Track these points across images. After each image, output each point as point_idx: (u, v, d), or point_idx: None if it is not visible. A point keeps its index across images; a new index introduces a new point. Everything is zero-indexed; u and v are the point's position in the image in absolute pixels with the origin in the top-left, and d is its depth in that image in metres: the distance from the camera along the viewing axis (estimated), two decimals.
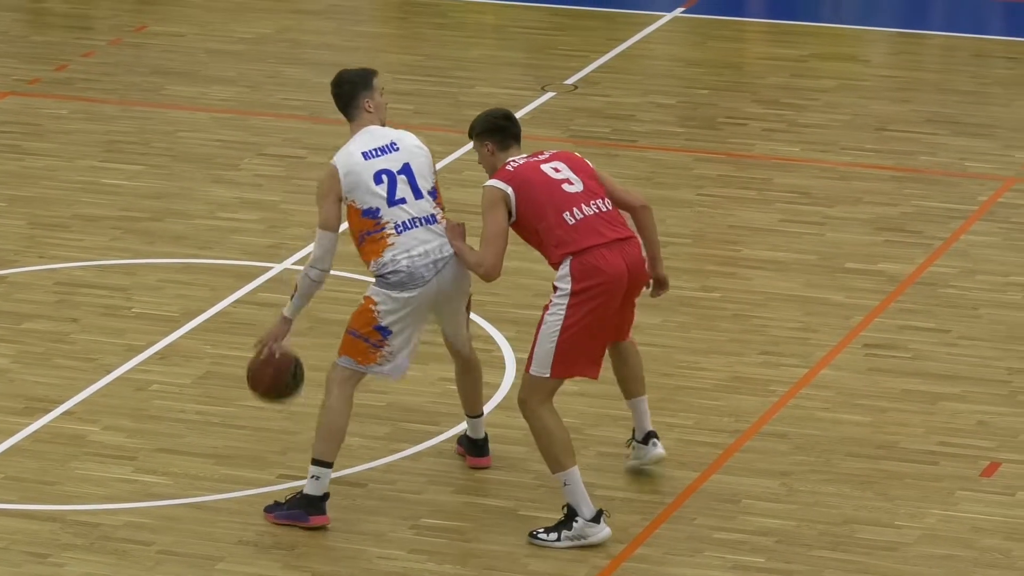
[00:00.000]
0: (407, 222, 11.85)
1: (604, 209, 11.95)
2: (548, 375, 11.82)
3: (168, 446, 12.71)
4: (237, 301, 14.80)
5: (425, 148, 12.23)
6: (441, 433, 12.77)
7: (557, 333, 11.78)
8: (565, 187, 11.97)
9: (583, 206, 11.92)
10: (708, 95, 18.89)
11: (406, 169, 12.03)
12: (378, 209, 11.88)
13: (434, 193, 12.09)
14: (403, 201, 11.93)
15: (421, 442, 12.76)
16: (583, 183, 12.03)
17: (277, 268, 15.26)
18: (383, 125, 12.28)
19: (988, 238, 15.82)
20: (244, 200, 16.57)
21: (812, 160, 17.27)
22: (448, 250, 11.94)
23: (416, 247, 11.84)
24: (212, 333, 14.31)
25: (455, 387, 12.62)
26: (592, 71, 19.26)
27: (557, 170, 12.05)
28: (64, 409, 13.19)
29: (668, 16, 20.69)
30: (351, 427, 11.93)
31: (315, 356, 12.66)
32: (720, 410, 13.23)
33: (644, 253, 12.02)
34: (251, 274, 15.19)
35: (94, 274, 15.27)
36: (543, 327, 11.82)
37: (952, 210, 16.21)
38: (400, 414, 13.09)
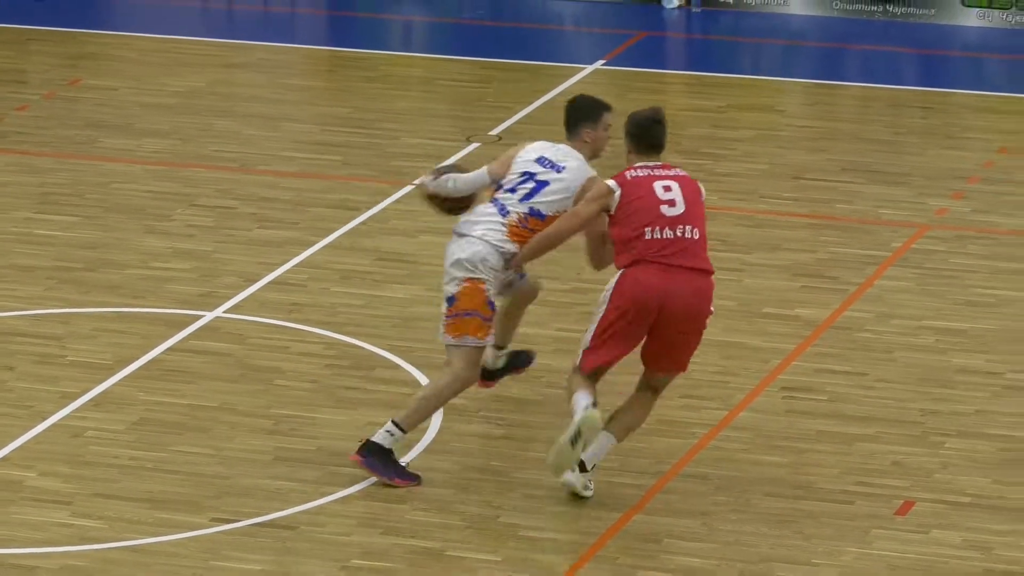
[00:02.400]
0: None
1: (689, 236, 12.39)
2: (579, 366, 12.52)
3: (103, 491, 12.72)
4: (170, 349, 14.83)
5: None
6: (369, 477, 12.80)
7: (591, 333, 12.51)
8: (664, 208, 12.41)
9: (668, 228, 12.36)
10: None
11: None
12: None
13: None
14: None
15: (350, 485, 12.80)
16: (685, 208, 12.44)
17: (209, 316, 15.31)
18: (595, 157, 13.03)
19: (902, 283, 15.90)
20: (176, 250, 16.60)
21: (731, 208, 17.34)
22: None
23: None
24: (145, 380, 14.33)
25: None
26: (516, 122, 19.33)
27: (668, 189, 12.47)
28: (0, 456, 13.22)
29: (590, 68, 20.78)
30: (280, 471, 12.02)
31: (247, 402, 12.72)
32: (642, 452, 13.26)
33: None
34: (183, 322, 15.22)
35: (29, 323, 15.29)
36: (589, 323, 12.57)
37: (867, 256, 16.28)
38: (329, 458, 13.13)
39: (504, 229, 12.87)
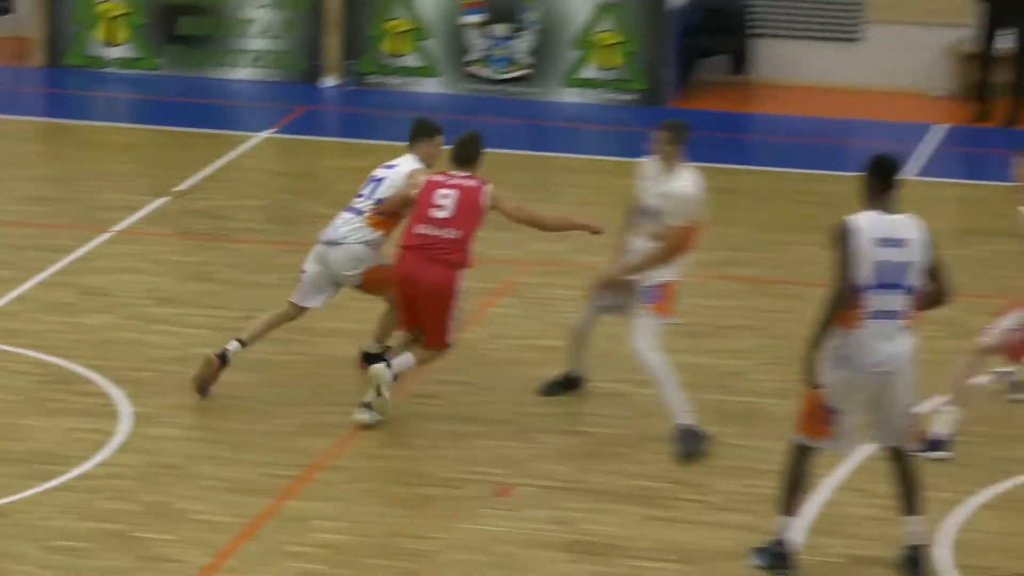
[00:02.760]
0: None
1: (447, 236, 13.48)
2: None
3: None
4: None
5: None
6: (67, 472, 12.72)
7: None
8: (432, 211, 13.46)
9: (431, 226, 13.48)
10: (290, 198, 19.03)
11: None
12: None
13: None
14: None
15: (52, 479, 12.68)
16: (453, 214, 13.46)
17: None
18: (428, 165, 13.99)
19: (510, 309, 16.01)
20: None
21: None
22: None
23: None
24: None
25: (81, 435, 12.97)
26: (200, 180, 19.25)
27: (445, 196, 13.50)
28: None
29: (262, 135, 20.74)
30: None
31: None
32: (298, 450, 13.34)
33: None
34: None
35: None
36: None
37: (483, 288, 16.29)
38: (35, 456, 13.02)
39: (365, 223, 13.86)
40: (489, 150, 18.19)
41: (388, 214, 13.88)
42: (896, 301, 11.08)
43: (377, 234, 13.90)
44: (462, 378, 14.50)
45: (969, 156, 20.46)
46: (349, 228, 13.93)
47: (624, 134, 20.68)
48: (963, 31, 21.78)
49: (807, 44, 22.59)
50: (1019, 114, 21.20)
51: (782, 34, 22.69)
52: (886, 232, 11.09)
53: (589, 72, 21.83)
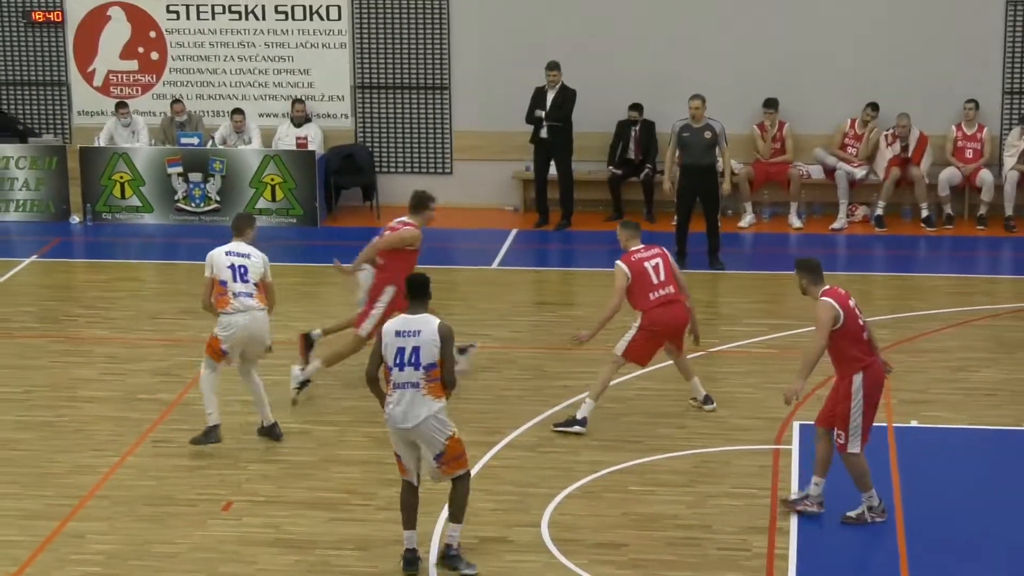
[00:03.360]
0: None
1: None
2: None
3: None
4: None
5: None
6: None
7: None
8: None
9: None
10: (54, 304, 18.54)
11: None
12: None
13: None
14: None
15: None
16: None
17: None
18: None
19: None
20: None
21: (119, 338, 17.10)
22: None
23: None
24: None
25: None
26: None
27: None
28: None
29: (27, 261, 20.22)
30: None
31: None
32: (73, 484, 13.00)
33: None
34: None
35: None
36: None
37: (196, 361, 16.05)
38: None
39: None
40: (199, 263, 18.27)
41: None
42: (414, 376, 11.14)
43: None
44: (188, 426, 14.26)
45: (535, 250, 20.87)
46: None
47: (288, 247, 20.64)
48: (524, 163, 22.18)
49: (415, 177, 22.79)
50: (568, 220, 21.65)
51: (397, 171, 22.86)
52: (402, 326, 11.21)
53: (262, 204, 21.74)
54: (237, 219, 14.04)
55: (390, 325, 11.23)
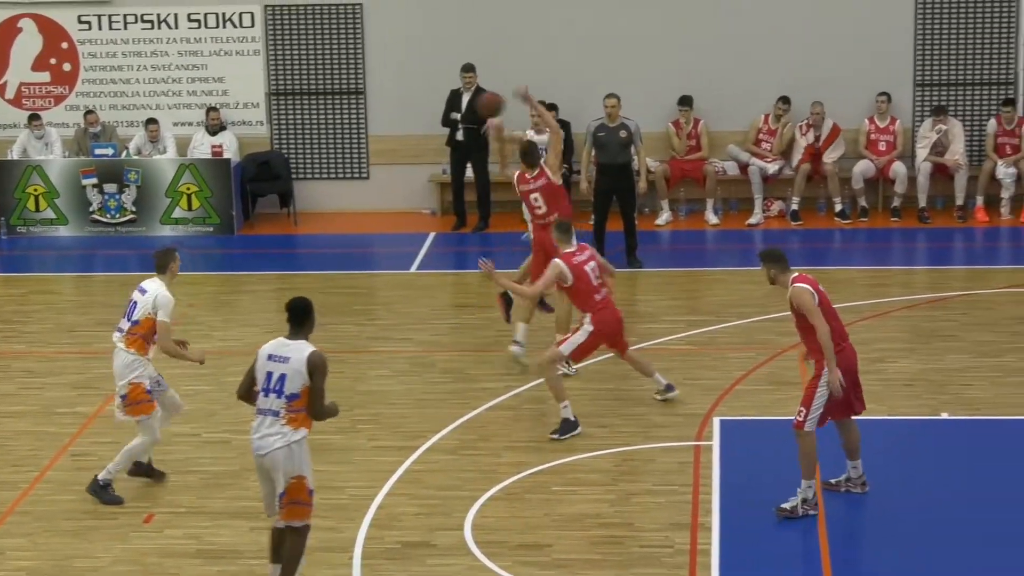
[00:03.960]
0: None
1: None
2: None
3: None
4: None
5: None
6: None
7: None
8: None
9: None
10: None
11: None
12: None
13: None
14: None
15: None
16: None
17: None
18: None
19: None
20: None
21: (36, 352, 16.96)
22: None
23: None
24: None
25: None
26: None
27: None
28: None
29: None
30: None
31: None
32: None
33: None
34: None
35: None
36: None
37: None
38: None
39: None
40: (115, 274, 18.13)
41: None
42: (276, 403, 10.68)
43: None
44: (108, 439, 14.16)
45: (454, 253, 20.89)
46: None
47: (207, 256, 20.56)
48: (440, 167, 22.18)
49: (331, 183, 22.78)
50: (485, 222, 21.70)
51: (313, 177, 22.81)
52: (275, 350, 10.71)
53: (178, 213, 21.63)
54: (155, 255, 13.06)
55: (266, 347, 10.74)
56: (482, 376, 15.51)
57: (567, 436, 13.75)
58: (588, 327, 14.06)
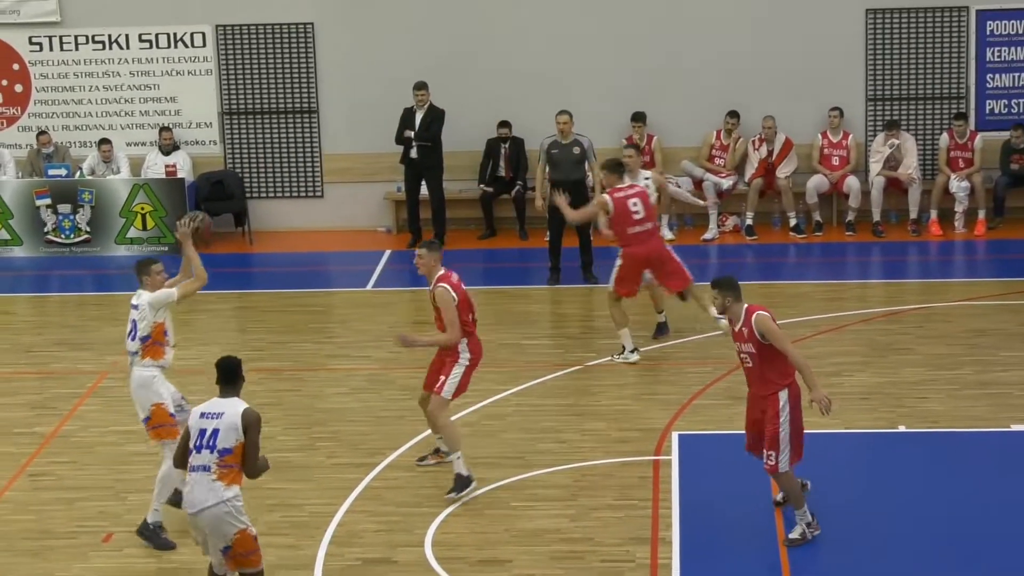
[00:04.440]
0: None
1: None
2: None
3: None
4: None
5: None
6: None
7: None
8: None
9: None
10: None
11: None
12: None
13: None
14: None
15: None
16: None
17: None
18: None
19: (94, 407, 15.67)
20: None
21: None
22: None
23: None
24: None
25: None
26: None
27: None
28: None
29: None
30: None
31: None
32: None
33: None
34: None
35: None
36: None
37: (72, 393, 15.97)
38: None
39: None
40: (71, 294, 18.10)
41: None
42: (207, 459, 10.51)
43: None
44: (66, 459, 14.14)
45: (409, 271, 20.79)
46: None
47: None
48: (394, 184, 22.22)
49: (286, 201, 22.80)
50: (441, 240, 21.70)
51: (268, 196, 22.82)
52: (208, 408, 10.60)
53: (133, 233, 21.60)
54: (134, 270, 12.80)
55: (197, 408, 10.63)
56: None
57: (464, 493, 12.95)
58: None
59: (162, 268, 12.55)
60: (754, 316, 11.66)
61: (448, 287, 12.78)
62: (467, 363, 13.00)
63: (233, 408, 10.51)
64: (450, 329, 12.77)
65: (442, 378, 12.93)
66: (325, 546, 12.19)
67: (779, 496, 12.35)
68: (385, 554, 12.12)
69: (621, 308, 16.29)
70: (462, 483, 12.92)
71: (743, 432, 12.19)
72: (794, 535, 11.92)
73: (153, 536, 12.29)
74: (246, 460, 10.51)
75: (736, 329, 11.80)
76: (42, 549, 12.42)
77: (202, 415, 10.56)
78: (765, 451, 11.77)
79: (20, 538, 12.65)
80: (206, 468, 10.46)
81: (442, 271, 12.88)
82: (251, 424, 10.48)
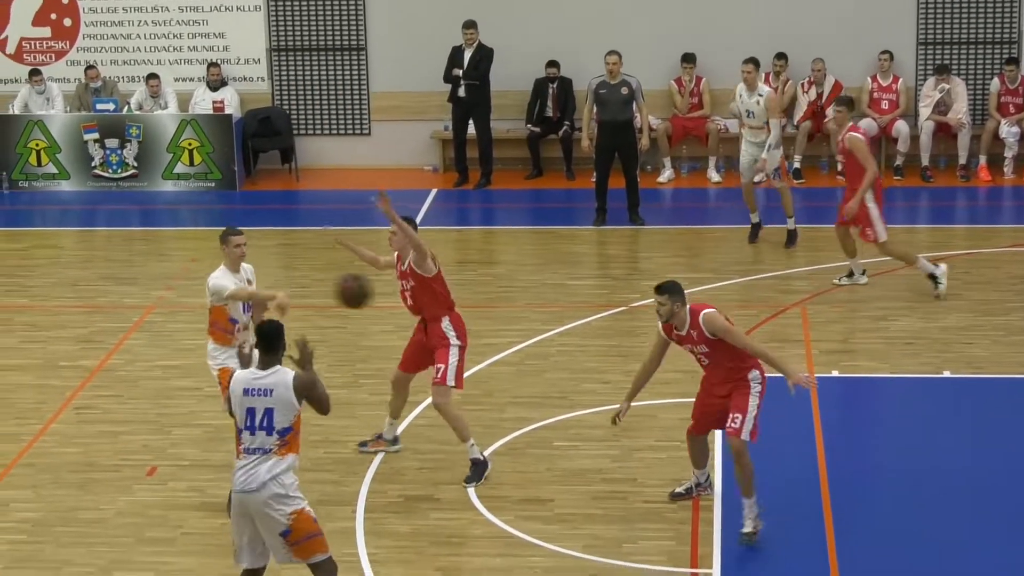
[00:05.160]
0: None
1: None
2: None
3: None
4: None
5: None
6: None
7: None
8: None
9: None
10: None
11: None
12: None
13: None
14: None
15: None
16: None
17: None
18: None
19: (140, 342, 15.72)
20: None
21: (39, 306, 16.94)
22: None
23: None
24: None
25: None
26: None
27: None
28: None
29: None
30: None
31: None
32: None
33: None
34: None
35: None
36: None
37: (117, 328, 16.03)
38: None
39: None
40: (118, 229, 18.18)
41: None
42: (267, 441, 9.61)
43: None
44: (112, 392, 14.19)
45: (456, 210, 20.87)
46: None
47: (209, 211, 20.60)
48: (442, 123, 22.12)
49: (333, 139, 22.74)
50: (487, 179, 21.65)
51: (315, 133, 22.77)
52: (250, 383, 9.65)
53: (180, 169, 21.60)
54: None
55: (240, 380, 9.62)
56: (485, 332, 15.48)
57: (481, 480, 12.27)
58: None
59: (243, 242, 11.79)
60: (701, 316, 10.97)
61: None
62: (459, 343, 12.21)
63: (282, 381, 9.49)
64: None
65: (440, 367, 12.06)
66: (368, 483, 12.20)
67: (682, 488, 11.79)
68: (427, 491, 12.12)
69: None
70: (480, 468, 12.26)
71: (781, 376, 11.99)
72: (748, 528, 11.17)
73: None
74: (320, 409, 9.66)
75: (683, 333, 11.13)
76: (87, 482, 12.48)
77: (246, 391, 9.51)
78: (731, 414, 11.01)
79: (66, 470, 12.72)
80: (265, 451, 9.50)
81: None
82: (305, 384, 9.49)
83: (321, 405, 9.67)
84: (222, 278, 11.77)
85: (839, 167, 21.40)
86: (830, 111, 16.57)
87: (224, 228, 12.14)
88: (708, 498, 11.88)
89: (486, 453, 12.63)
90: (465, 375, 12.57)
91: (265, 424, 9.45)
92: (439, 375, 12.10)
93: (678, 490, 11.89)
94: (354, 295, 11.68)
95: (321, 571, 9.76)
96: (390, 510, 11.85)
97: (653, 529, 11.42)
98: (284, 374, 9.52)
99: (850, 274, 16.78)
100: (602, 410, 13.54)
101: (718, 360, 11.14)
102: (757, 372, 11.12)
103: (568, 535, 11.44)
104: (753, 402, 11.07)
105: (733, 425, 11.06)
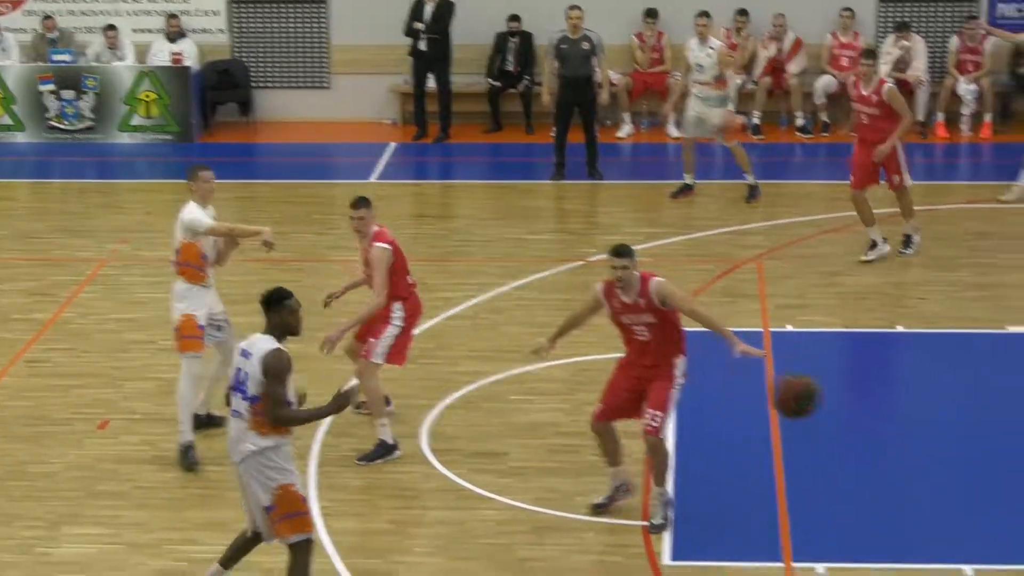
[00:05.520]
0: None
1: None
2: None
3: None
4: None
5: None
6: None
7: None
8: None
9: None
10: None
11: None
12: None
13: None
14: None
15: None
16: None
17: None
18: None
19: (94, 295, 15.61)
20: None
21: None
22: None
23: None
24: None
25: None
26: None
27: None
28: None
29: None
30: None
31: None
32: None
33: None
34: None
35: None
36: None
37: (70, 280, 15.92)
38: None
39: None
40: (72, 181, 18.03)
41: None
42: (241, 404, 9.39)
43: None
44: (66, 345, 14.09)
45: (414, 164, 20.78)
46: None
47: (166, 164, 20.42)
48: (401, 77, 22.00)
49: (292, 92, 22.60)
50: (446, 133, 21.57)
51: (273, 85, 22.62)
52: (246, 344, 9.43)
53: (137, 121, 21.43)
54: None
55: (244, 341, 9.51)
56: (440, 286, 15.43)
57: (379, 461, 11.82)
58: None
59: (212, 177, 11.64)
60: (651, 283, 10.51)
61: (387, 247, 11.64)
62: (400, 324, 11.82)
63: (261, 348, 9.19)
64: (378, 293, 11.59)
65: (371, 340, 11.73)
66: (321, 436, 12.14)
67: (602, 498, 11.17)
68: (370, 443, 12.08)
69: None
70: (383, 450, 11.82)
71: (737, 329, 11.78)
72: (657, 520, 10.84)
73: (181, 458, 11.73)
74: (265, 407, 9.19)
75: (629, 301, 10.59)
76: (38, 435, 12.39)
77: (241, 352, 9.33)
78: (650, 411, 10.61)
79: (16, 424, 12.63)
80: (240, 415, 9.30)
81: (377, 228, 11.71)
82: (269, 370, 9.12)
83: (268, 403, 9.18)
84: (197, 211, 11.58)
85: (798, 123, 21.38)
86: (860, 67, 16.13)
87: (192, 164, 11.98)
88: None
89: (441, 406, 12.60)
90: (418, 331, 12.49)
91: (241, 387, 9.29)
92: (366, 349, 11.84)
93: (598, 501, 11.17)
94: (799, 396, 10.46)
95: (297, 552, 9.34)
96: (343, 464, 11.80)
97: (605, 482, 11.39)
98: (266, 343, 9.23)
99: (873, 245, 16.16)
100: (556, 363, 13.50)
101: (655, 335, 10.62)
102: (683, 358, 10.75)
103: (521, 488, 11.42)
104: (673, 398, 10.73)
105: (653, 424, 10.64)
